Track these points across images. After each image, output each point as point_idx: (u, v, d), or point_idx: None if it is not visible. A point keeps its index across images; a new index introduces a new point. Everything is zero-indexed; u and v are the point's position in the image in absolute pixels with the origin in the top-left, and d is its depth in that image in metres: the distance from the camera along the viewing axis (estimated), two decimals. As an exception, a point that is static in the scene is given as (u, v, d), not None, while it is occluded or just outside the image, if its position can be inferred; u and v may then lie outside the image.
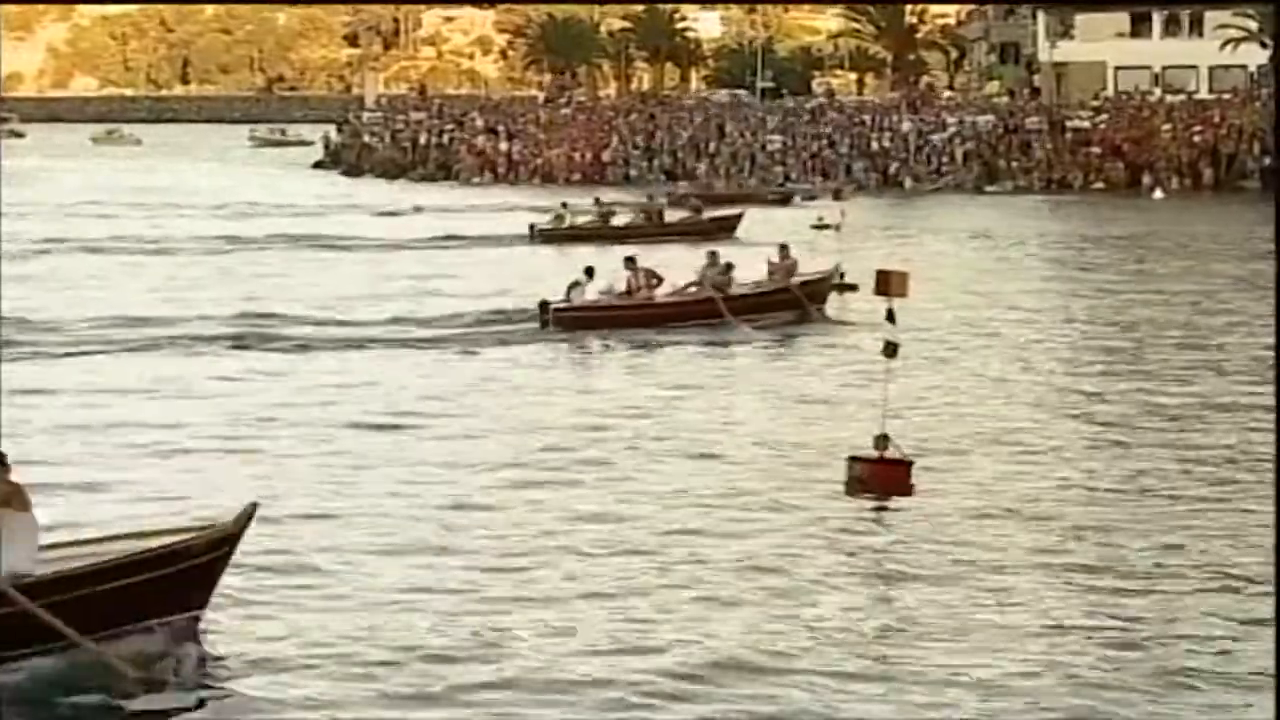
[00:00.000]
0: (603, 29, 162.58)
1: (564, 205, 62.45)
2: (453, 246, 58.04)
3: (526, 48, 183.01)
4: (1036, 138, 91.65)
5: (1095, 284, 48.67)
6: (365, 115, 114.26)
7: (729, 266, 38.85)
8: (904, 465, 22.93)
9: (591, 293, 37.83)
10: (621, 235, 56.62)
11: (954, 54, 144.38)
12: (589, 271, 38.05)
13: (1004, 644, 16.40)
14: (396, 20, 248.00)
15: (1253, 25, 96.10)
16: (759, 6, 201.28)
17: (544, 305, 37.43)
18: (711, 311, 37.50)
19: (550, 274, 44.22)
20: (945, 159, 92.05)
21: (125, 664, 15.07)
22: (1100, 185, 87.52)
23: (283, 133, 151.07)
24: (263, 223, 66.98)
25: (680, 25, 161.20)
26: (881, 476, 22.71)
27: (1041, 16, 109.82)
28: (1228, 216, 71.90)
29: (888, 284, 38.48)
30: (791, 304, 38.87)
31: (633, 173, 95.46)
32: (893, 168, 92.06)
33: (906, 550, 19.74)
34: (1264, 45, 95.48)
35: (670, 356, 34.46)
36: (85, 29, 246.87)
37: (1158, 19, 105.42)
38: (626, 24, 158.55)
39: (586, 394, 30.54)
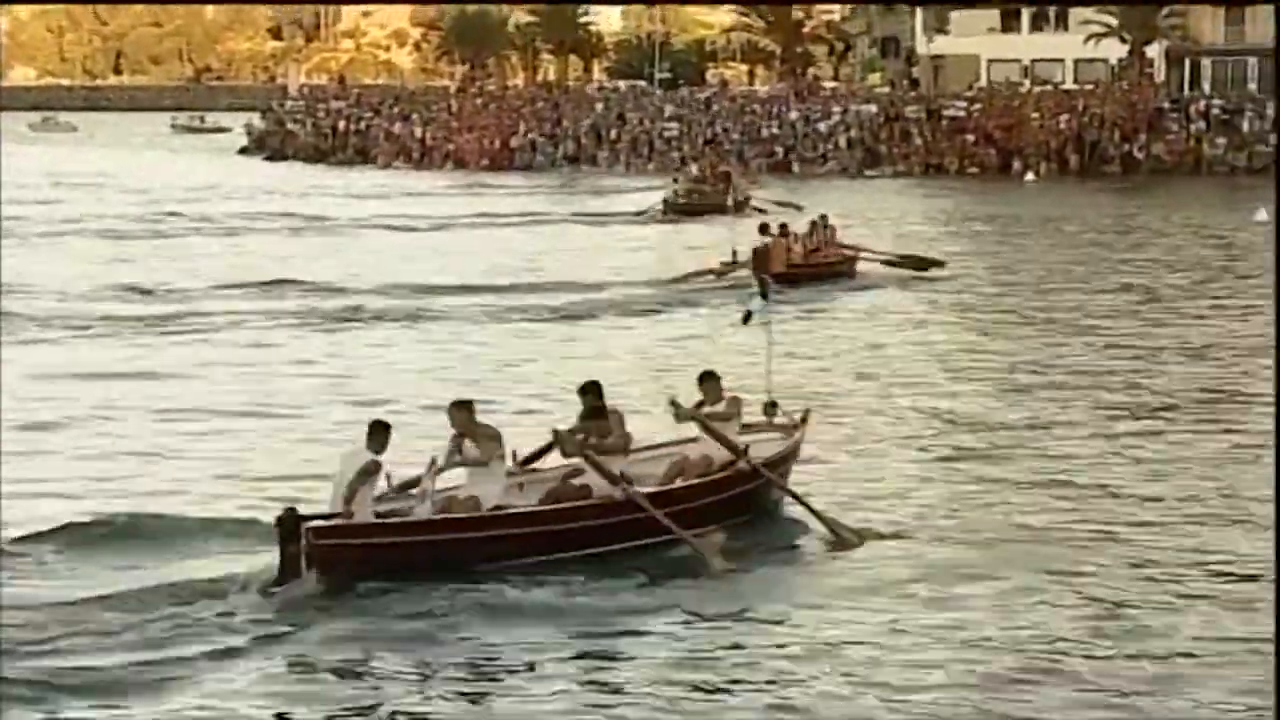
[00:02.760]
0: (510, 23, 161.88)
1: (675, 180, 66.04)
2: (591, 220, 60.53)
3: (439, 40, 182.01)
4: (915, 125, 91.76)
5: (973, 255, 48.94)
6: (288, 104, 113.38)
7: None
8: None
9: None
10: (698, 209, 60.11)
11: (839, 47, 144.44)
12: (783, 230, 41.62)
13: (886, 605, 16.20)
14: (318, 15, 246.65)
15: (1113, 21, 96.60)
16: (657, 3, 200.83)
17: None
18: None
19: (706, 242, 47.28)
20: (830, 145, 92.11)
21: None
22: (974, 170, 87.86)
23: (201, 120, 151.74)
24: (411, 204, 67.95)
25: (583, 20, 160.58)
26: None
27: (920, 13, 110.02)
28: (1091, 198, 72.50)
29: (766, 259, 39.36)
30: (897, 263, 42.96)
31: (539, 158, 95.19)
32: (781, 153, 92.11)
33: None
34: (1123, 40, 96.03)
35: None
36: (24, 22, 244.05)
37: (1026, 15, 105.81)
38: (533, 18, 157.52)
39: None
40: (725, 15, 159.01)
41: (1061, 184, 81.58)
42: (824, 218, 43.65)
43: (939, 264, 43.05)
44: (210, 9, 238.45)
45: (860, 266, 42.46)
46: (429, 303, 37.36)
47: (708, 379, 19.45)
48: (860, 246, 43.58)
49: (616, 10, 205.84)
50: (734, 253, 41.94)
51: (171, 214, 61.53)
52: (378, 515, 16.54)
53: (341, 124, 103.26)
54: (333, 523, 16.06)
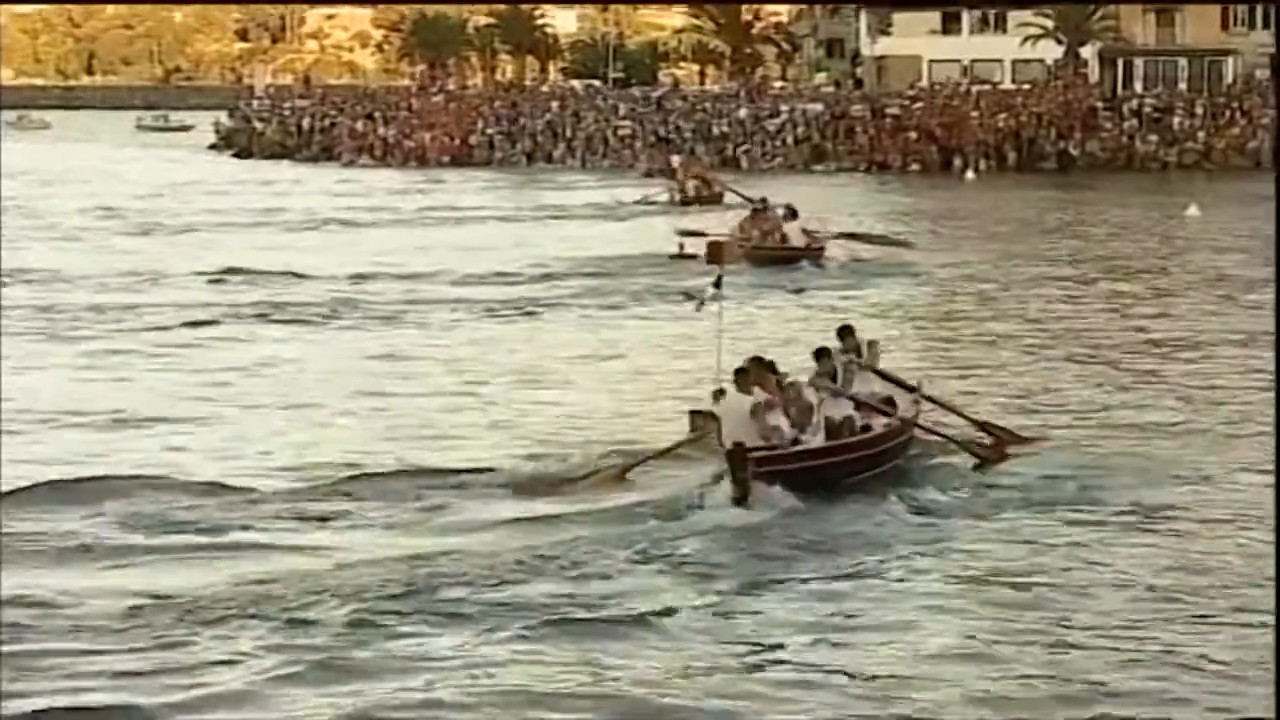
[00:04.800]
0: (470, 25, 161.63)
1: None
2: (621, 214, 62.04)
3: (401, 42, 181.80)
4: (859, 123, 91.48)
5: (923, 248, 48.75)
6: (255, 103, 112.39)
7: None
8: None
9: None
10: (703, 201, 62.86)
11: (786, 49, 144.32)
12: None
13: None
14: (283, 17, 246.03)
15: (1049, 24, 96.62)
16: (610, 5, 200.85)
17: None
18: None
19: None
20: (778, 142, 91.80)
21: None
22: (916, 166, 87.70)
23: (166, 119, 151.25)
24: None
25: (540, 22, 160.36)
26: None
27: (864, 15, 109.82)
28: (1027, 193, 72.53)
29: (717, 253, 39.01)
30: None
31: (497, 154, 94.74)
32: (731, 150, 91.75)
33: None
34: (1059, 41, 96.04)
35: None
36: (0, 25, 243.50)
37: (967, 18, 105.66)
38: (491, 20, 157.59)
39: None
40: (677, 17, 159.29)
41: (1001, 179, 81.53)
42: (790, 208, 44.43)
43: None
44: (179, 12, 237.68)
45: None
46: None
47: (847, 333, 21.24)
48: (817, 234, 44.39)
49: (572, 13, 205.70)
50: (680, 245, 41.74)
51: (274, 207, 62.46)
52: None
53: (306, 122, 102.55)
54: (772, 452, 18.57)
